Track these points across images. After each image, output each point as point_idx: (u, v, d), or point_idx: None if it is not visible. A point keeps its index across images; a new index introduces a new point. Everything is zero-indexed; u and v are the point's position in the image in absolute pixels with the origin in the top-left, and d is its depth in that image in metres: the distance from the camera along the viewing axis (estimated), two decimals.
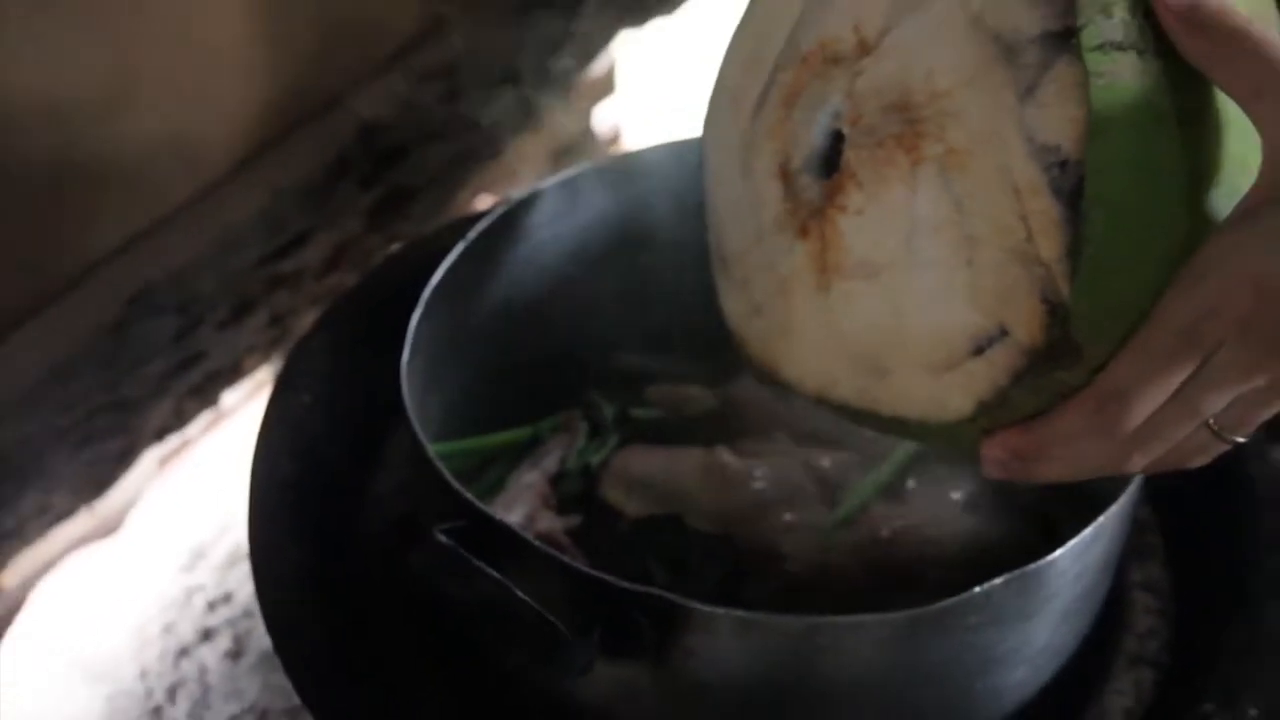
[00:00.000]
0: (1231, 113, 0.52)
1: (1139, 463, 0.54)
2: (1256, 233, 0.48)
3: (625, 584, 0.65)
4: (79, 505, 1.08)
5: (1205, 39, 0.50)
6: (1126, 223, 0.51)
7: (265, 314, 1.13)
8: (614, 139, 1.42)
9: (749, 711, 0.69)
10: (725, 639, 0.66)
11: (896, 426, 0.60)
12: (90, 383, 1.01)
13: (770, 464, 0.82)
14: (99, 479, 1.08)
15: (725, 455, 0.82)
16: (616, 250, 0.89)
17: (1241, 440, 0.53)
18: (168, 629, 1.09)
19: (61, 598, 1.09)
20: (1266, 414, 0.52)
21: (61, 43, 0.91)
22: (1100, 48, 0.50)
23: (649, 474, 0.83)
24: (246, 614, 1.10)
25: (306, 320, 1.17)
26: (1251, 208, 0.49)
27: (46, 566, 1.10)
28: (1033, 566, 0.66)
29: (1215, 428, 0.53)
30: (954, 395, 0.55)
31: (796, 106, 0.63)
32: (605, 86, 1.37)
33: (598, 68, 1.34)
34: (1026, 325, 0.52)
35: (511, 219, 0.84)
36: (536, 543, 0.68)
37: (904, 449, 0.82)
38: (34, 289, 0.98)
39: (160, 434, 1.11)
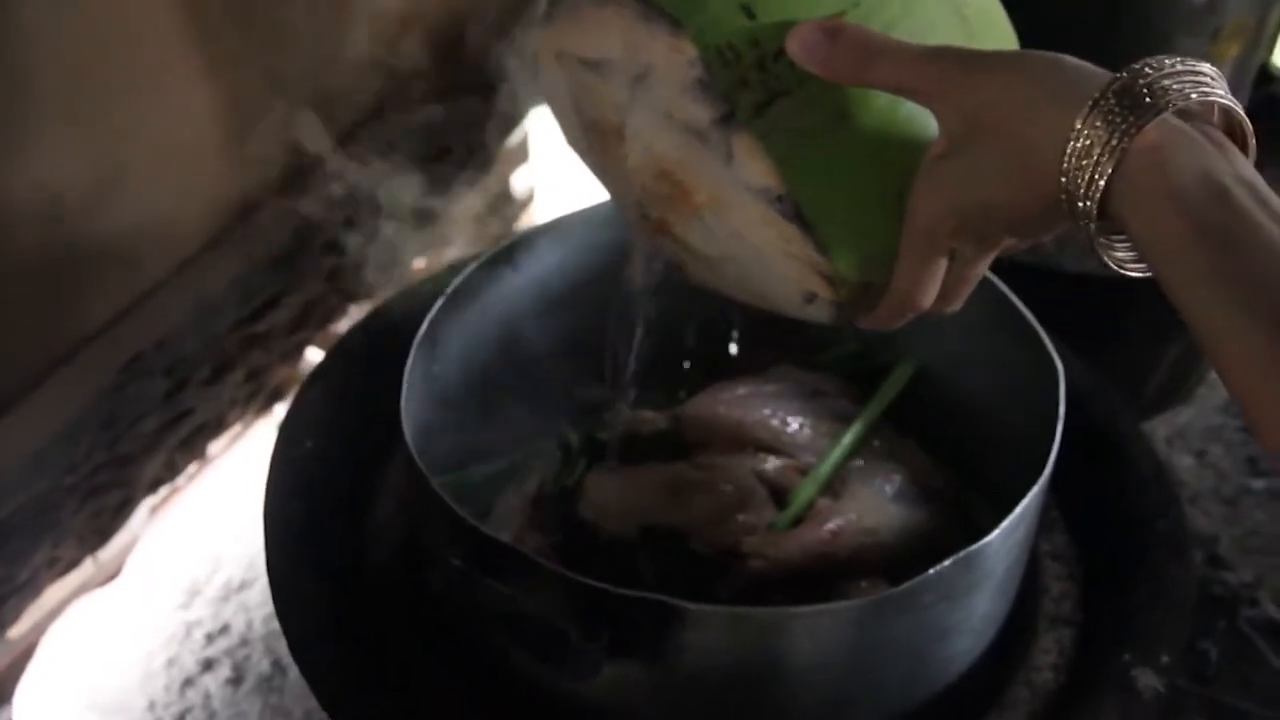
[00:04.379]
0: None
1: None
2: (943, 175, 0.55)
3: (626, 591, 0.62)
4: (84, 555, 1.02)
5: (847, 65, 0.55)
6: (841, 210, 0.58)
7: (242, 371, 1.08)
8: (530, 200, 1.40)
9: (735, 694, 0.67)
10: (715, 633, 0.64)
11: None
12: (92, 443, 0.96)
13: (723, 473, 0.79)
14: (101, 529, 1.03)
15: (684, 469, 0.80)
16: (570, 296, 0.87)
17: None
18: (171, 662, 1.04)
19: (71, 641, 1.03)
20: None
21: (52, 138, 0.87)
22: (755, 114, 0.56)
23: (618, 491, 0.79)
24: (244, 643, 1.05)
25: (279, 374, 1.13)
26: (934, 158, 0.55)
27: (55, 613, 1.04)
28: (974, 548, 0.65)
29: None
30: (813, 313, 0.62)
31: (609, 162, 0.67)
32: (521, 155, 1.34)
33: (513, 139, 1.32)
34: (823, 289, 0.60)
35: (481, 275, 0.81)
36: (542, 560, 0.65)
37: (838, 450, 0.81)
38: (36, 362, 0.93)
39: (154, 485, 1.05)
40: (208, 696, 1.02)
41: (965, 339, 0.83)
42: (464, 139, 1.24)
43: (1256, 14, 0.98)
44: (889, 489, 0.79)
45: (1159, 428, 1.13)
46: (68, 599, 1.04)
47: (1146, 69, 0.49)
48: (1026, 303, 0.78)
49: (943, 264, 0.57)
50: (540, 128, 1.35)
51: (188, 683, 1.03)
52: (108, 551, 1.05)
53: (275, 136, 1.05)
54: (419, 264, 1.26)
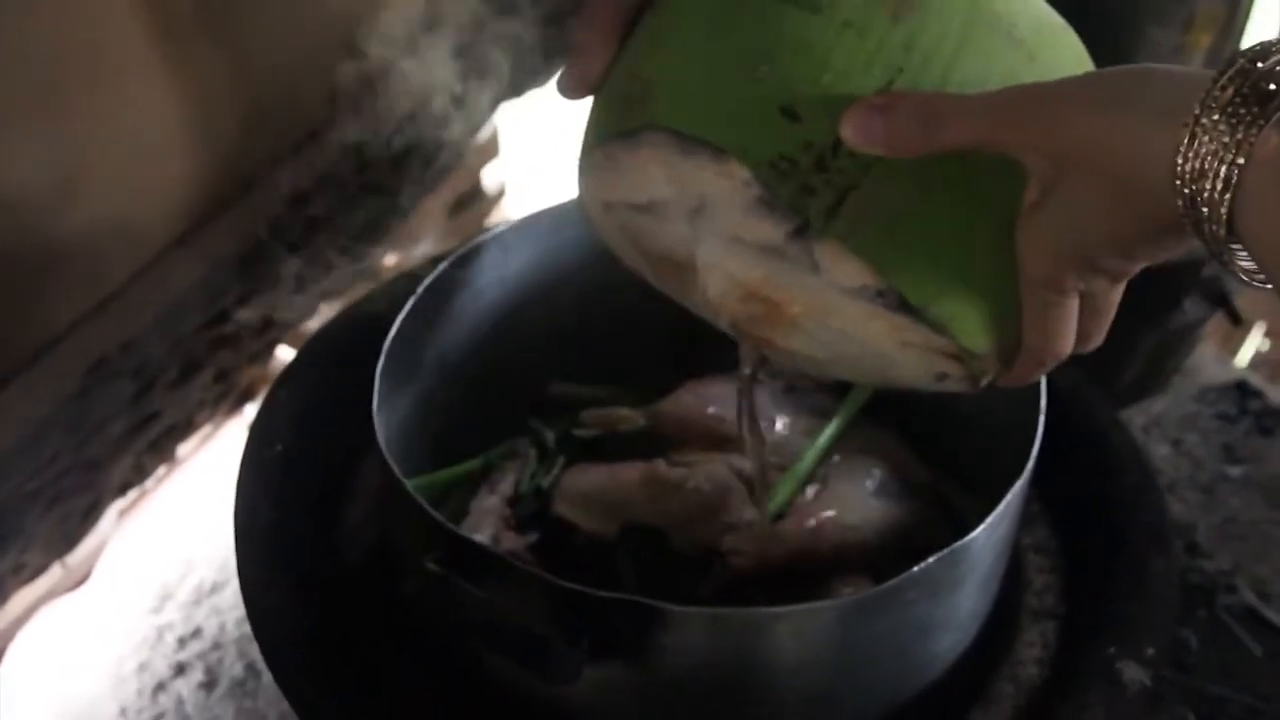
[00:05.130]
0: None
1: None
2: (1045, 223, 0.51)
3: (606, 593, 0.61)
4: (51, 560, 1.00)
5: (912, 137, 0.50)
6: (948, 285, 0.53)
7: (210, 373, 1.06)
8: (500, 195, 1.38)
9: (718, 695, 0.66)
10: (697, 635, 0.63)
11: None
12: (57, 446, 0.94)
13: (702, 471, 0.78)
14: (68, 534, 1.01)
15: (662, 466, 0.79)
16: (544, 294, 0.85)
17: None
18: (143, 667, 1.02)
19: (40, 648, 1.01)
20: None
21: (12, 139, 0.85)
22: (829, 218, 0.52)
23: (596, 489, 0.78)
24: (216, 646, 1.03)
25: (248, 375, 1.11)
26: (1032, 206, 0.51)
27: (22, 620, 1.02)
28: (958, 544, 0.64)
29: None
30: (950, 388, 0.60)
31: (686, 292, 0.64)
32: (491, 151, 1.33)
33: (483, 135, 1.30)
34: (952, 368, 0.57)
35: (453, 273, 0.79)
36: (519, 564, 0.63)
37: (816, 445, 0.79)
38: (2, 365, 0.91)
39: (123, 488, 1.03)
40: (180, 701, 1.00)
41: None
42: (433, 134, 1.22)
43: (1227, 3, 0.97)
44: (869, 484, 0.78)
45: (1135, 417, 1.12)
46: (35, 605, 1.02)
47: (1257, 58, 0.43)
48: None
49: (1072, 308, 0.53)
50: (510, 123, 1.33)
51: (160, 687, 1.01)
52: (76, 556, 1.03)
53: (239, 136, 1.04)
54: (390, 261, 1.24)
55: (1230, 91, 0.43)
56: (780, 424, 0.81)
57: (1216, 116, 0.43)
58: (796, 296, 0.57)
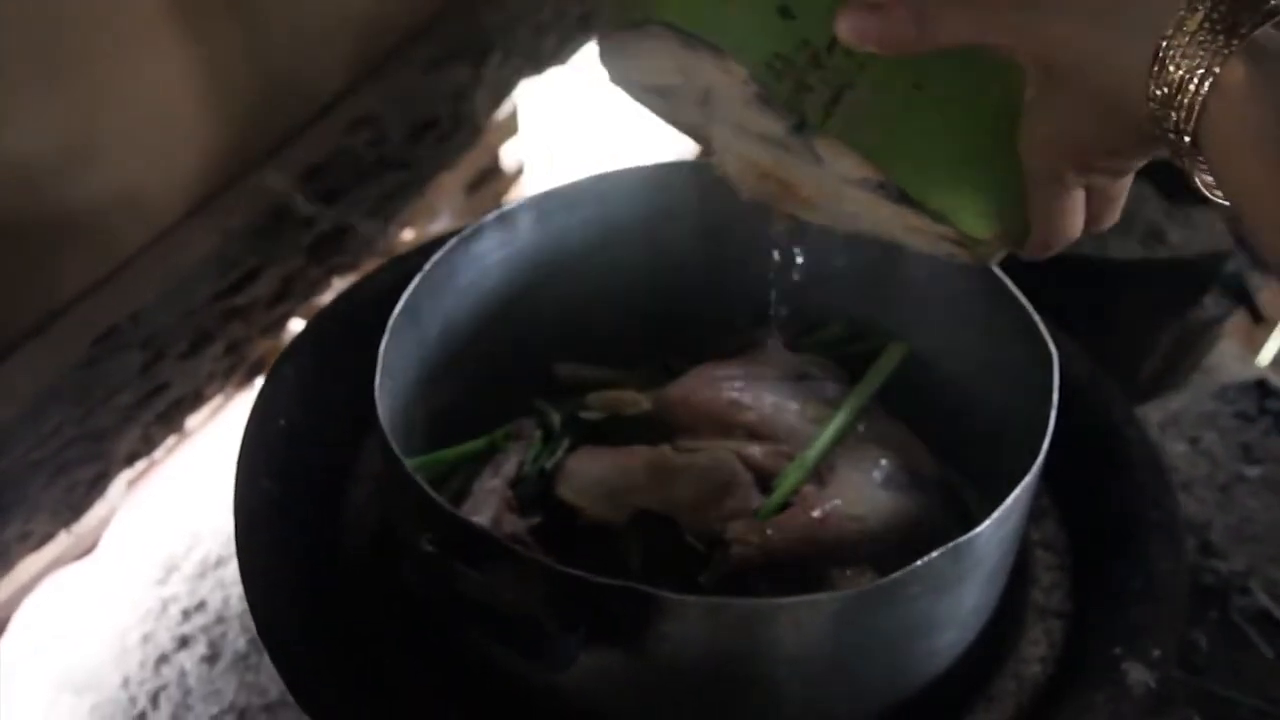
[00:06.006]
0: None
1: None
2: (1040, 119, 0.52)
3: (603, 579, 0.60)
4: (57, 529, 1.00)
5: (905, 34, 0.51)
6: (949, 177, 0.54)
7: (221, 345, 1.06)
8: (519, 174, 1.37)
9: (716, 686, 0.65)
10: (695, 624, 0.62)
11: None
12: (65, 416, 0.94)
13: (708, 457, 0.77)
14: (75, 504, 1.00)
15: (668, 452, 0.77)
16: (552, 274, 0.84)
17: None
18: (146, 638, 1.02)
19: (44, 616, 1.01)
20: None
21: (24, 106, 0.84)
22: (826, 115, 0.53)
23: (600, 473, 0.77)
24: (219, 620, 1.03)
25: (260, 347, 1.10)
26: (1029, 102, 0.52)
27: (28, 588, 1.01)
28: (964, 538, 0.62)
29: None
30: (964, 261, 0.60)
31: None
32: (510, 128, 1.31)
33: (503, 112, 1.29)
34: (958, 251, 0.58)
35: (458, 251, 0.78)
36: (517, 547, 0.63)
37: (825, 435, 0.78)
38: (6, 334, 0.91)
39: (130, 459, 1.03)
40: (183, 674, 1.00)
41: (957, 322, 0.80)
42: (451, 110, 1.21)
43: None
44: (877, 475, 0.76)
45: (1152, 414, 1.10)
46: (42, 573, 1.02)
47: None
48: (1020, 285, 0.75)
49: (1077, 198, 0.54)
50: (531, 100, 1.32)
51: (163, 659, 1.01)
52: (83, 525, 1.03)
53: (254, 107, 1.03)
54: (406, 236, 1.23)
55: (1200, 15, 0.44)
56: (789, 412, 0.79)
57: (1186, 40, 0.44)
58: (805, 182, 0.59)
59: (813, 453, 0.77)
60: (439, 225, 1.25)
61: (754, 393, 0.80)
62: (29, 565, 1.01)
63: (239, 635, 1.02)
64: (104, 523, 1.05)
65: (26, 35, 0.83)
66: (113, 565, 1.04)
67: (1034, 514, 0.78)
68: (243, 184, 1.04)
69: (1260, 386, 1.13)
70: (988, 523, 0.63)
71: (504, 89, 1.27)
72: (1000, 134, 0.53)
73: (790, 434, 0.79)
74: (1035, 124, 0.52)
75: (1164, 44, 0.45)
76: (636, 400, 0.82)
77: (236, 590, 1.04)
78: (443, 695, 0.71)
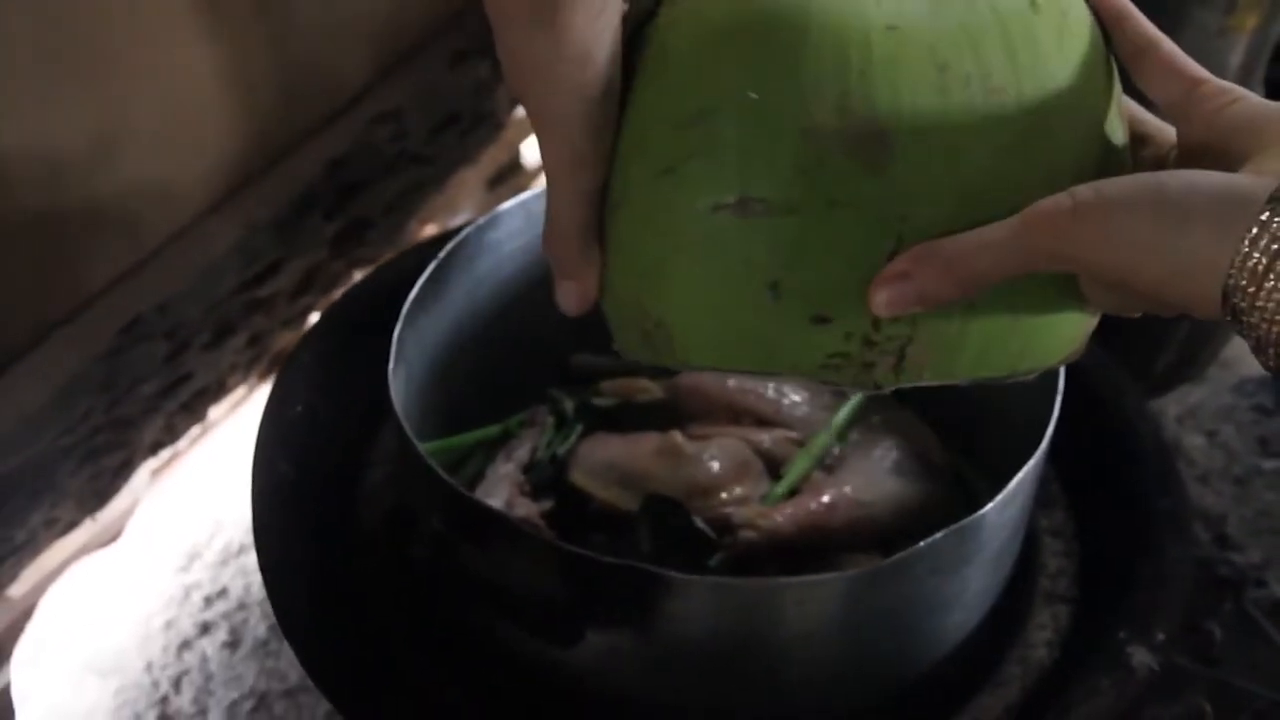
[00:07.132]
0: None
1: None
2: (1104, 304, 0.52)
3: (610, 559, 0.61)
4: (83, 516, 1.02)
5: (946, 287, 0.48)
6: (1018, 358, 0.52)
7: (245, 336, 1.07)
8: (539, 169, 1.38)
9: (722, 666, 0.65)
10: (701, 604, 0.63)
11: None
12: (90, 405, 0.95)
13: (718, 444, 0.78)
14: (100, 491, 1.02)
15: (678, 438, 0.78)
16: None
17: None
18: (169, 624, 1.03)
19: (70, 602, 1.03)
20: None
21: (53, 99, 0.86)
22: (896, 375, 0.51)
23: (612, 459, 0.78)
24: (241, 607, 1.04)
25: (282, 339, 1.12)
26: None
27: (55, 574, 1.03)
28: (968, 520, 0.63)
29: None
30: None
31: None
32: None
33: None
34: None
35: (474, 239, 0.79)
36: (526, 528, 0.64)
37: (835, 421, 0.79)
38: (34, 323, 0.92)
39: (154, 448, 1.05)
40: (205, 659, 1.01)
41: None
42: (472, 105, 1.22)
43: None
44: (885, 462, 0.77)
45: (1170, 406, 1.11)
46: (68, 560, 1.04)
47: None
48: None
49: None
50: None
51: (185, 645, 1.02)
52: (108, 513, 1.05)
53: (278, 101, 1.04)
54: (427, 231, 1.25)
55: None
56: (798, 399, 0.80)
57: (1266, 241, 0.41)
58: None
59: (822, 440, 0.78)
60: (459, 220, 1.27)
61: (763, 380, 0.81)
62: (56, 552, 1.03)
63: (260, 622, 1.03)
64: (128, 511, 1.06)
65: (56, 30, 0.84)
66: (137, 553, 1.06)
67: (1043, 502, 0.79)
68: (267, 177, 1.05)
69: (1278, 380, 1.12)
70: (991, 505, 0.64)
71: None
72: (1057, 283, 0.50)
73: (799, 421, 0.80)
74: (1092, 299, 0.50)
75: (1254, 230, 0.41)
76: (648, 387, 0.84)
77: (257, 578, 1.06)
78: (459, 678, 0.73)
